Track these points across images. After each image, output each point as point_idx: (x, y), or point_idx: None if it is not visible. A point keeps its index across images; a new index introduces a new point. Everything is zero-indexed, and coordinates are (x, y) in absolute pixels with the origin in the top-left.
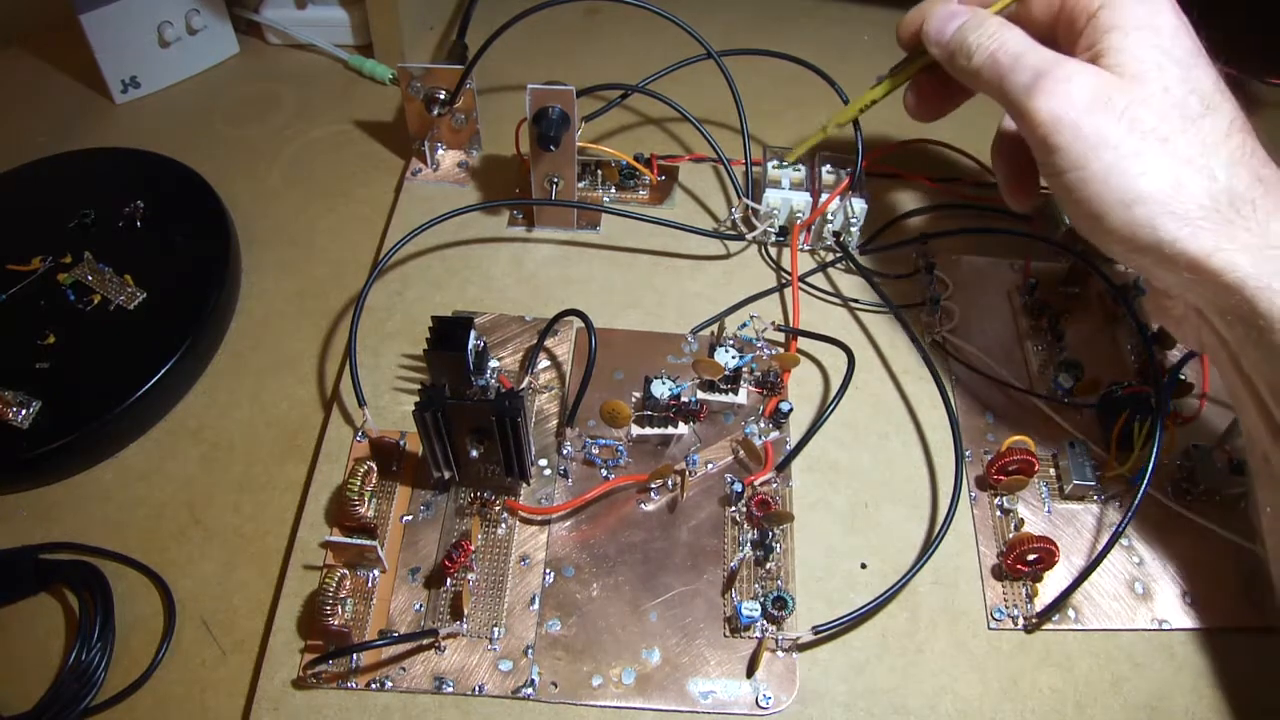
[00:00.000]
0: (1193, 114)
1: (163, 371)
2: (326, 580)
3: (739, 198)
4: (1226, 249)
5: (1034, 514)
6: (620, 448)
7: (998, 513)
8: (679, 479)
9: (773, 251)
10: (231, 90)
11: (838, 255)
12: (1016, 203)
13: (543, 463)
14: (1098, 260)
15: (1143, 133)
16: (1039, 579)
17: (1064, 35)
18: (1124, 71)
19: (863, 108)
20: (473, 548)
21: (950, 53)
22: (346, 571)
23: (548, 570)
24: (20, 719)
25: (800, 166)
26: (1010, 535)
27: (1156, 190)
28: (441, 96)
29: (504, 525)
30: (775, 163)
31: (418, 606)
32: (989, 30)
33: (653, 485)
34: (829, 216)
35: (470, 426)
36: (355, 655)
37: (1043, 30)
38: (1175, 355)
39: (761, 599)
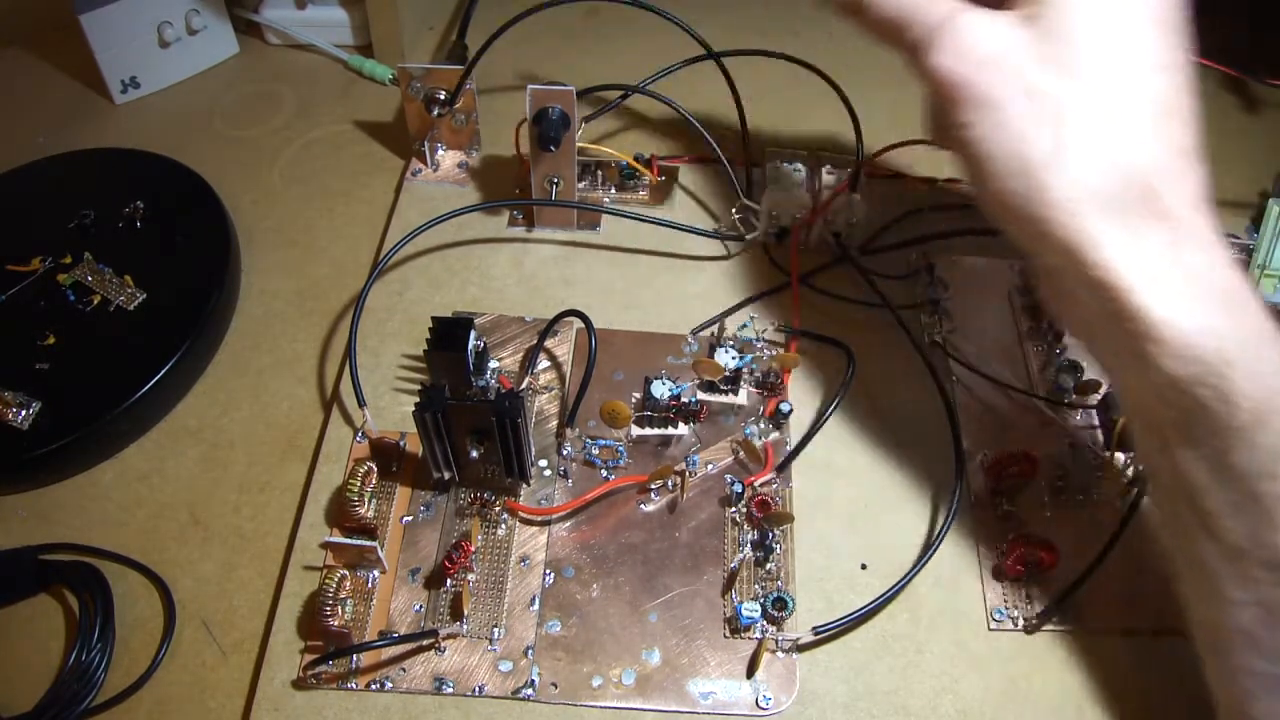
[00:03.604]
0: (1114, 90)
1: (163, 371)
2: (326, 581)
3: (739, 198)
4: (1109, 245)
5: (1034, 515)
6: (620, 448)
7: (998, 513)
8: (679, 480)
9: (773, 252)
10: (231, 90)
11: (838, 256)
12: (940, 143)
13: (543, 463)
14: None
15: (1047, 99)
16: (1039, 580)
17: None
18: (1047, 30)
19: None
20: (473, 548)
21: (859, 6)
22: (346, 572)
23: (548, 571)
24: (20, 719)
25: (800, 167)
26: (1010, 536)
27: (1044, 165)
28: (441, 97)
29: (504, 526)
30: (774, 165)
31: (418, 607)
32: None
33: (653, 486)
34: (829, 217)
35: (470, 427)
36: (355, 656)
37: None
38: None
39: (761, 600)
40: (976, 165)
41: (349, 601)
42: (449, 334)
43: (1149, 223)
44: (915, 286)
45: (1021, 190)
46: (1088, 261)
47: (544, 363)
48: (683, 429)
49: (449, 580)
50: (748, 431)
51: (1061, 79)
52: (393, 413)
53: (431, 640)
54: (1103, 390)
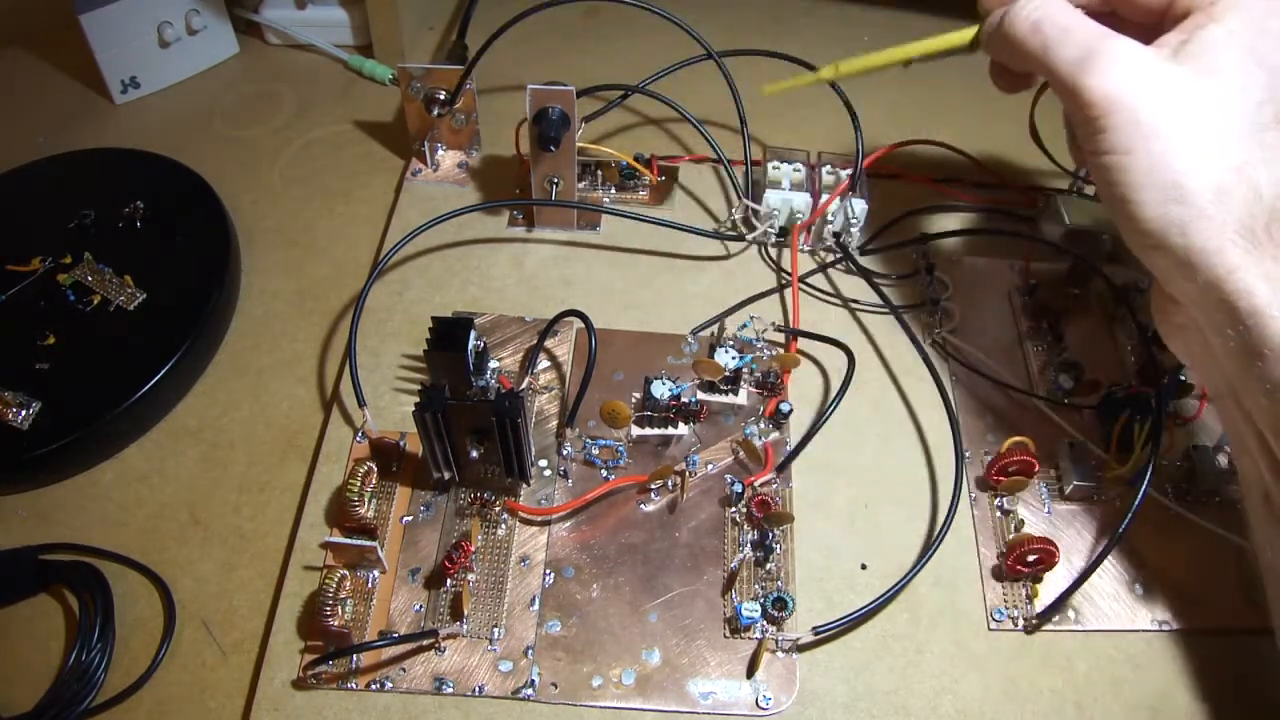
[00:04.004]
0: (1262, 123)
1: (163, 371)
2: (326, 581)
3: (739, 198)
4: (1250, 271)
5: (1034, 515)
6: (620, 448)
7: (998, 513)
8: (679, 480)
9: (773, 252)
10: (231, 90)
11: (838, 256)
12: (1079, 162)
13: (543, 463)
14: (1098, 261)
15: (1202, 128)
16: (1039, 580)
17: (1170, 23)
18: (1200, 64)
19: (871, 68)
20: (473, 548)
21: (993, 26)
22: (346, 572)
23: (548, 571)
24: (20, 719)
25: (800, 167)
26: (1010, 536)
27: (1199, 192)
28: (441, 97)
29: (504, 526)
30: (774, 165)
31: (418, 607)
32: (1034, 1)
33: (653, 486)
34: (829, 217)
35: (470, 427)
36: (355, 656)
37: (1152, 17)
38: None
39: (761, 600)
40: (1127, 189)
41: (349, 601)
42: (449, 334)
43: (1273, 250)
44: (915, 286)
45: (1174, 216)
46: (1232, 288)
47: (544, 363)
48: (683, 429)
49: (449, 580)
50: (748, 431)
51: (1216, 115)
52: (393, 413)
53: (431, 640)
54: (1103, 390)
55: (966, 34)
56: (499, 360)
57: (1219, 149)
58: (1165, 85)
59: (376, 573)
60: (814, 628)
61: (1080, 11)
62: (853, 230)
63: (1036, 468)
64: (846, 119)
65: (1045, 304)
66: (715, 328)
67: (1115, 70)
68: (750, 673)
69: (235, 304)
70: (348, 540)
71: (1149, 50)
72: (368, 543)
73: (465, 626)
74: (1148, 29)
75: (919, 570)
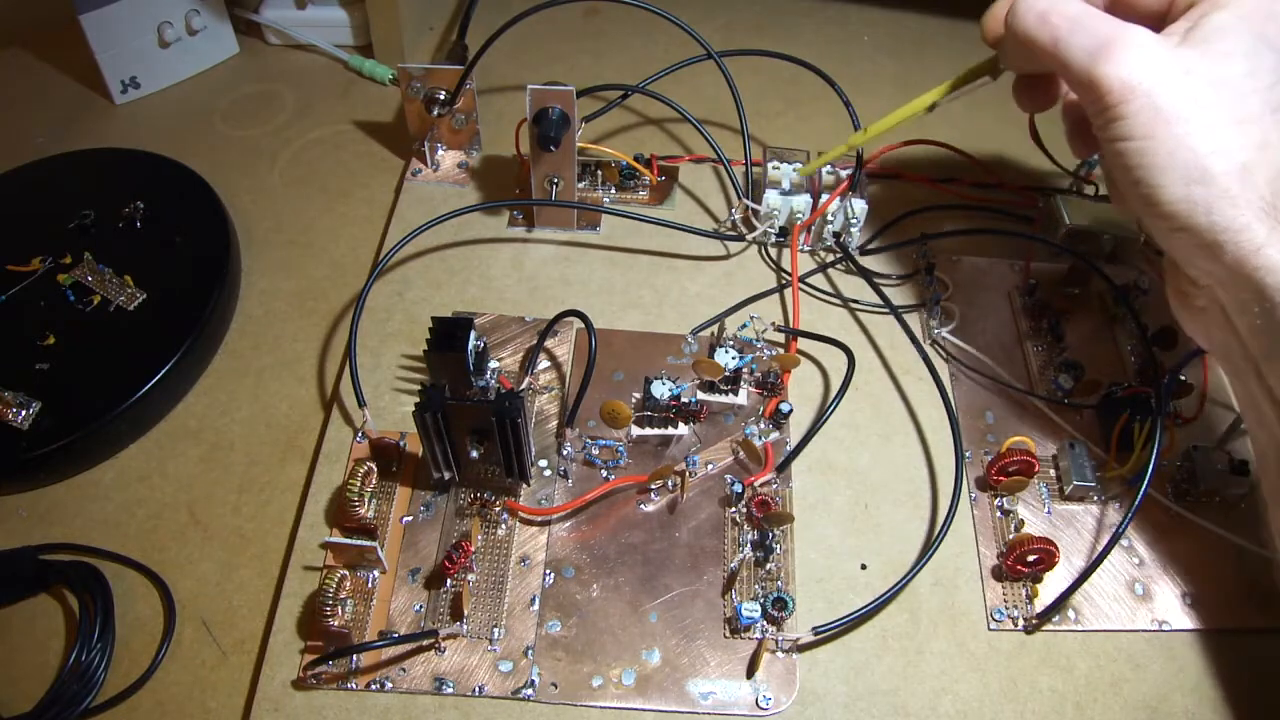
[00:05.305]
0: (1275, 103)
1: (163, 371)
2: (326, 581)
3: (739, 198)
4: (1276, 247)
5: (1034, 515)
6: (620, 448)
7: (998, 513)
8: (679, 480)
9: (773, 252)
10: (231, 90)
11: (838, 256)
12: (1080, 154)
13: (543, 463)
14: (1098, 261)
15: (1220, 110)
16: (1039, 580)
17: (1174, 16)
18: (1211, 49)
19: (898, 122)
20: (473, 548)
21: (1003, 28)
22: (346, 572)
23: (548, 571)
24: (20, 719)
25: (800, 167)
26: (1010, 536)
27: (1223, 172)
28: (441, 97)
29: (504, 526)
30: (774, 165)
31: (418, 607)
32: None
33: (653, 486)
34: (829, 217)
35: (470, 427)
36: (355, 656)
37: (1152, 17)
38: (1176, 356)
39: (761, 600)
40: (1149, 172)
41: (349, 601)
42: (449, 334)
43: None
44: (915, 286)
45: (1198, 197)
46: (1258, 264)
47: (544, 363)
48: (683, 429)
49: (449, 580)
50: (748, 431)
51: (1232, 97)
52: (393, 413)
53: (431, 640)
54: (1103, 390)
55: (983, 61)
56: (499, 360)
57: (1240, 129)
58: (1180, 70)
59: (376, 573)
60: (814, 628)
61: (1089, 5)
62: (853, 230)
63: (1036, 468)
64: (846, 119)
65: (1045, 304)
66: (715, 328)
67: (1130, 57)
68: (750, 673)
69: (235, 304)
70: (348, 540)
71: (1162, 40)
72: (368, 543)
73: (465, 626)
74: (1150, 25)
75: (919, 570)
